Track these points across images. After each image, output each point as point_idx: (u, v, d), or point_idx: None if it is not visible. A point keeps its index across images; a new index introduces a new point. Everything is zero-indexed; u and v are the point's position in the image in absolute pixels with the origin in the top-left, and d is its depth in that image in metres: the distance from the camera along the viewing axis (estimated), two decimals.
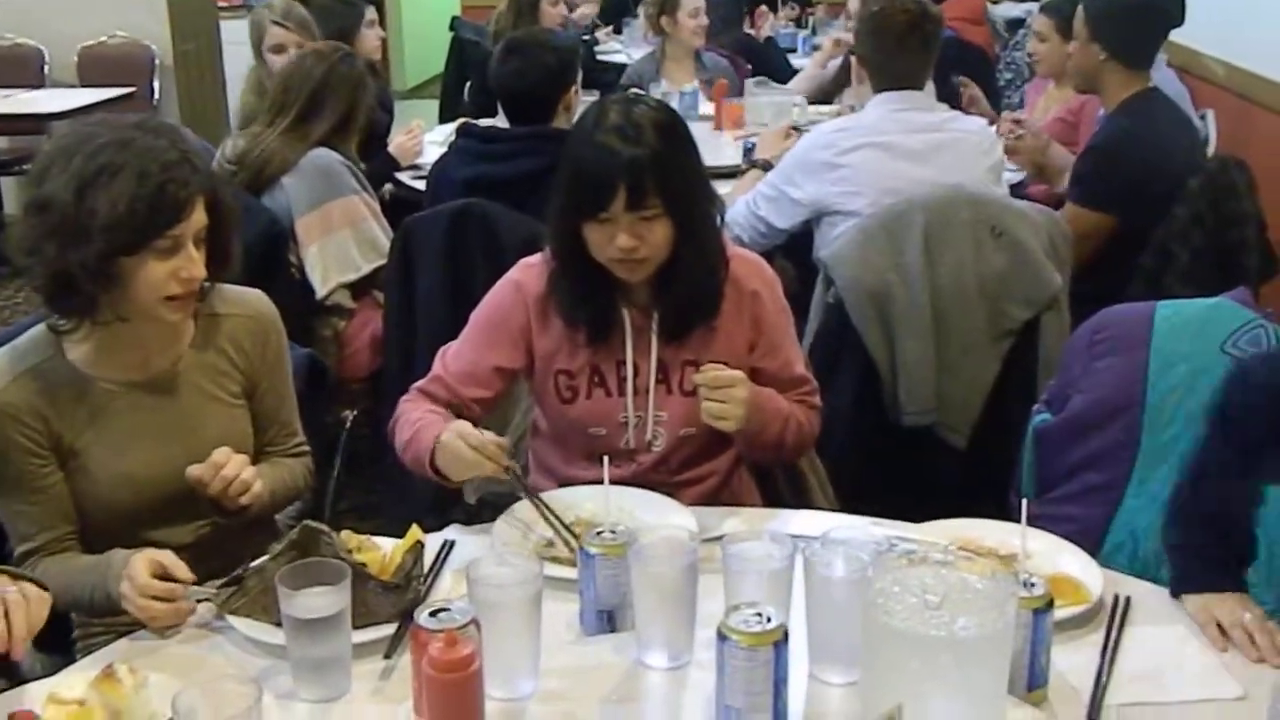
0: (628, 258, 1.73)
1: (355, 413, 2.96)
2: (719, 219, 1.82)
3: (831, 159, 2.73)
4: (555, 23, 4.67)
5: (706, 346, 1.83)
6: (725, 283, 1.81)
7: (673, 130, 1.75)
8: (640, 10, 5.94)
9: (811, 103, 4.22)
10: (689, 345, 1.83)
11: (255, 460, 1.74)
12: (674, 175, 1.73)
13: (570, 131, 1.81)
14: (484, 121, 3.55)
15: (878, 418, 2.53)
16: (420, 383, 1.84)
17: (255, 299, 1.82)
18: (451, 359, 1.85)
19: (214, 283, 1.69)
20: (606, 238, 1.72)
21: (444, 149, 3.25)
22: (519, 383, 2.02)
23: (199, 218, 1.60)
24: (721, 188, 3.45)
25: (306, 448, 1.87)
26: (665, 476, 1.86)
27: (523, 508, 1.70)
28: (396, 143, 3.68)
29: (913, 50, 2.70)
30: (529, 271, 1.86)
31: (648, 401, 1.84)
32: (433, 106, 5.29)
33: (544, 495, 1.73)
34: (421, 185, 3.29)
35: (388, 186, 3.55)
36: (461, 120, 3.65)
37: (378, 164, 3.47)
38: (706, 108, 4.30)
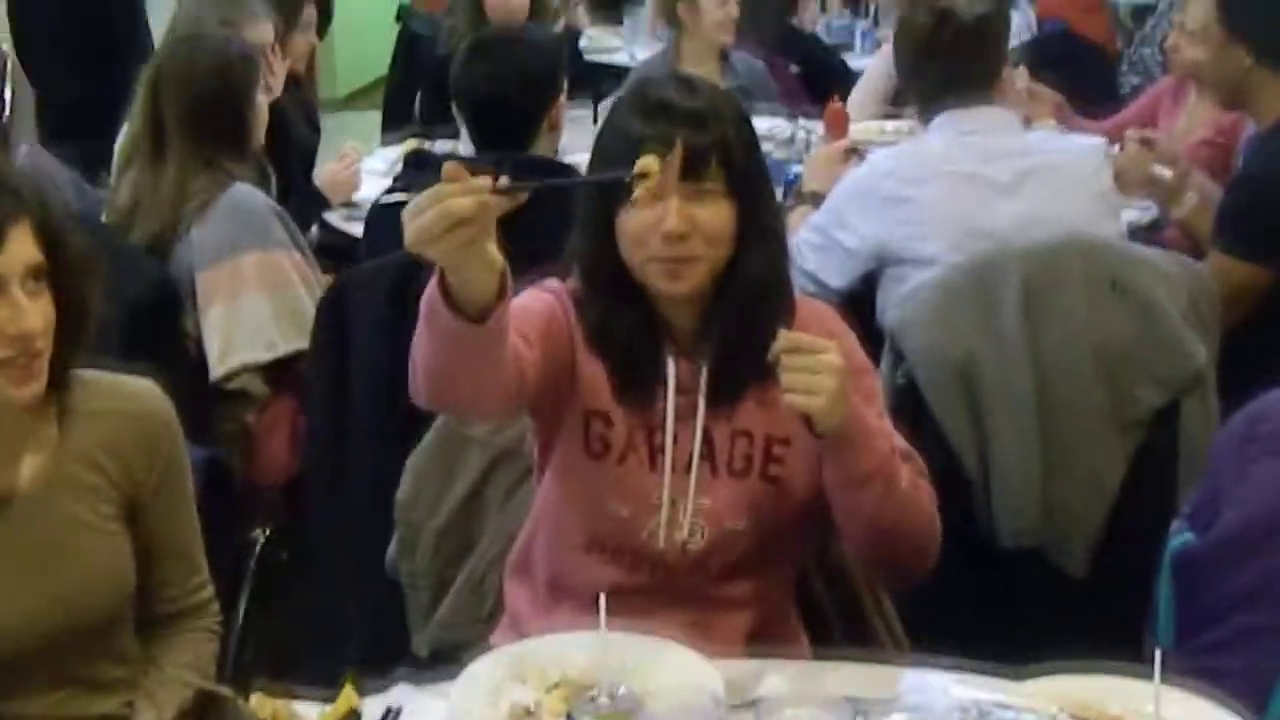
0: (673, 253, 1.79)
1: (268, 531, 2.99)
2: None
3: (895, 190, 2.80)
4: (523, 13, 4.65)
5: (765, 414, 1.88)
6: (791, 325, 1.87)
7: (740, 106, 1.87)
8: None
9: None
10: (742, 411, 1.89)
11: (141, 615, 1.75)
12: (741, 151, 1.82)
13: (608, 113, 1.89)
14: (441, 145, 3.64)
15: (965, 535, 2.52)
16: None
17: (142, 392, 1.83)
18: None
19: (67, 360, 1.69)
20: (649, 223, 1.78)
21: (387, 180, 3.31)
22: (495, 488, 2.13)
23: (21, 252, 1.61)
24: None
25: (210, 592, 1.89)
26: (700, 585, 1.91)
27: (487, 668, 1.70)
28: (325, 173, 3.75)
29: (942, 57, 2.82)
30: (559, 288, 1.92)
31: (688, 482, 1.89)
32: (373, 120, 5.34)
33: (517, 646, 1.75)
34: (358, 229, 3.36)
35: (313, 231, 3.62)
36: (410, 144, 3.72)
37: (299, 201, 3.53)
38: None
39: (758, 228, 1.86)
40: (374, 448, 2.68)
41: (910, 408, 2.55)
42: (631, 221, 1.81)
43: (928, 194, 2.79)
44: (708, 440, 1.90)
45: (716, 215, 1.82)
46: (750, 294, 1.86)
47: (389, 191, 3.18)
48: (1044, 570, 2.56)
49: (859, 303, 2.91)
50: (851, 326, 2.89)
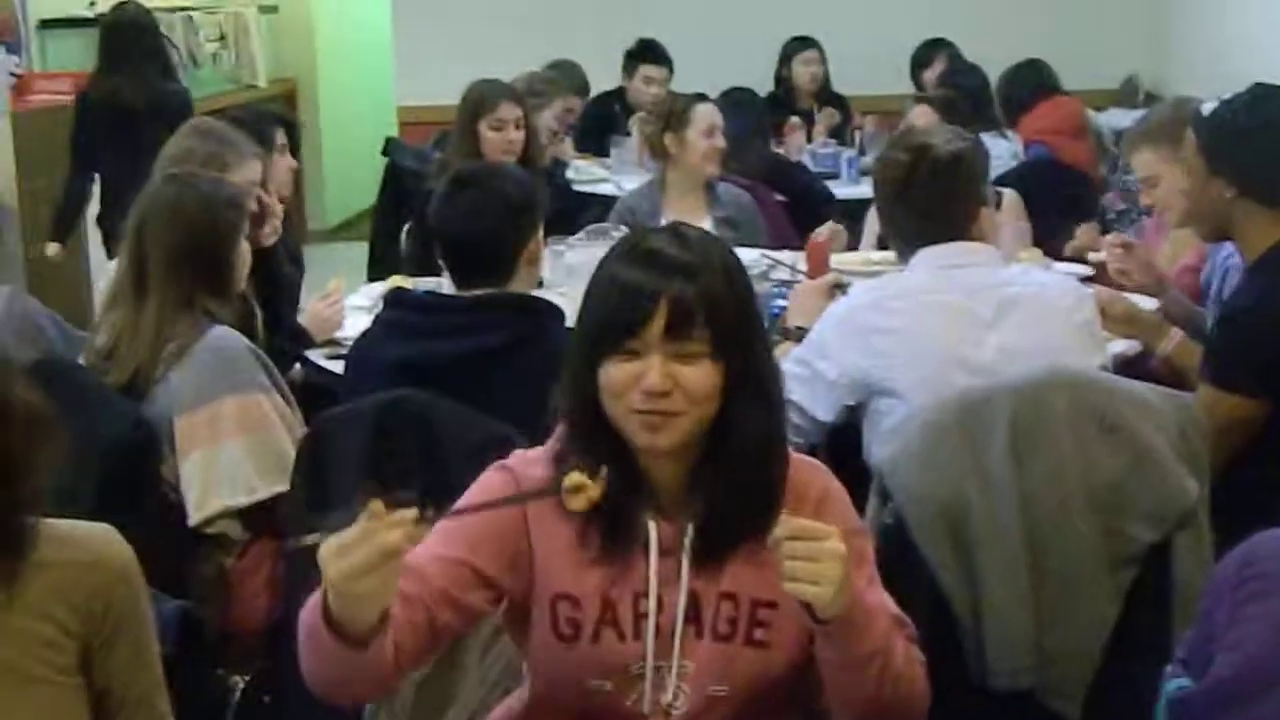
0: (654, 408, 1.79)
1: (248, 678, 2.96)
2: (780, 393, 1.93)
3: (875, 321, 2.84)
4: (503, 152, 4.67)
5: (753, 576, 1.88)
6: (784, 485, 1.88)
7: (733, 258, 1.88)
8: (633, 127, 6.06)
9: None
10: (728, 572, 1.88)
11: None
12: (730, 310, 1.83)
13: (598, 265, 1.91)
14: (424, 282, 3.64)
15: (956, 677, 2.51)
16: None
17: (96, 539, 1.83)
18: (431, 543, 1.87)
19: (7, 519, 1.68)
20: (631, 378, 1.79)
21: (371, 317, 3.31)
22: (475, 638, 2.11)
23: None
24: None
25: None
26: None
27: None
28: (310, 311, 3.77)
29: (920, 194, 2.87)
30: (526, 461, 1.93)
31: (671, 647, 1.89)
32: (363, 251, 5.36)
33: None
34: (340, 367, 3.37)
35: (297, 369, 3.61)
36: (393, 284, 3.73)
37: (282, 339, 3.55)
38: None
39: (749, 385, 1.85)
40: None
41: (897, 547, 2.53)
42: (613, 373, 1.81)
43: (908, 324, 2.81)
44: (693, 603, 1.89)
45: (701, 375, 1.82)
46: (740, 452, 1.85)
47: (366, 333, 3.19)
48: (1038, 713, 2.53)
49: (847, 436, 2.91)
50: (841, 461, 2.87)
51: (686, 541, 1.87)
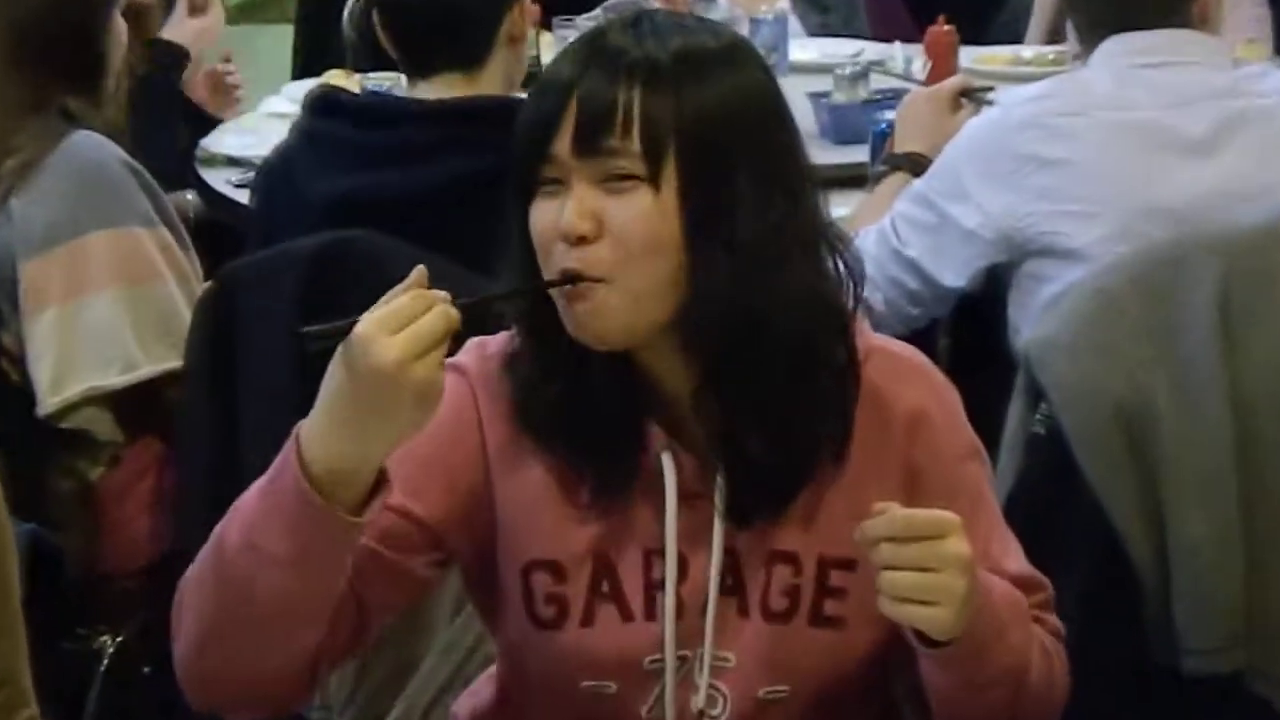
0: (572, 265, 1.80)
1: (121, 638, 2.99)
2: (835, 262, 1.91)
3: (1037, 148, 2.84)
4: None
5: (816, 526, 1.90)
6: (855, 398, 1.88)
7: (730, 55, 1.87)
8: None
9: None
10: (786, 522, 1.89)
11: None
12: (692, 113, 1.81)
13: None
14: (374, 80, 3.70)
15: (1132, 656, 2.53)
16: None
17: None
18: None
19: None
20: (549, 222, 1.82)
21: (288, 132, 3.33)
22: (441, 590, 2.17)
23: None
24: (834, 208, 3.48)
25: None
26: None
27: None
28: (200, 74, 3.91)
29: None
30: (483, 356, 1.94)
31: (703, 629, 1.89)
32: (281, 38, 5.35)
33: None
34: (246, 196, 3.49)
35: (189, 197, 3.68)
36: (336, 74, 3.76)
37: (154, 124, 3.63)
38: (806, 50, 4.37)
39: (730, 240, 1.83)
40: None
41: (1052, 470, 2.54)
42: (535, 221, 1.84)
43: (1085, 153, 2.81)
44: (732, 568, 1.90)
45: (632, 211, 1.81)
46: (726, 355, 1.84)
47: (280, 154, 3.23)
48: (1246, 707, 2.53)
49: (975, 312, 2.97)
50: (970, 346, 3.02)
51: (718, 482, 1.88)
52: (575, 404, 1.86)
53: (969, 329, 3.05)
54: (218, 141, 4.02)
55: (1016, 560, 1.96)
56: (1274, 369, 2.54)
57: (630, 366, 1.87)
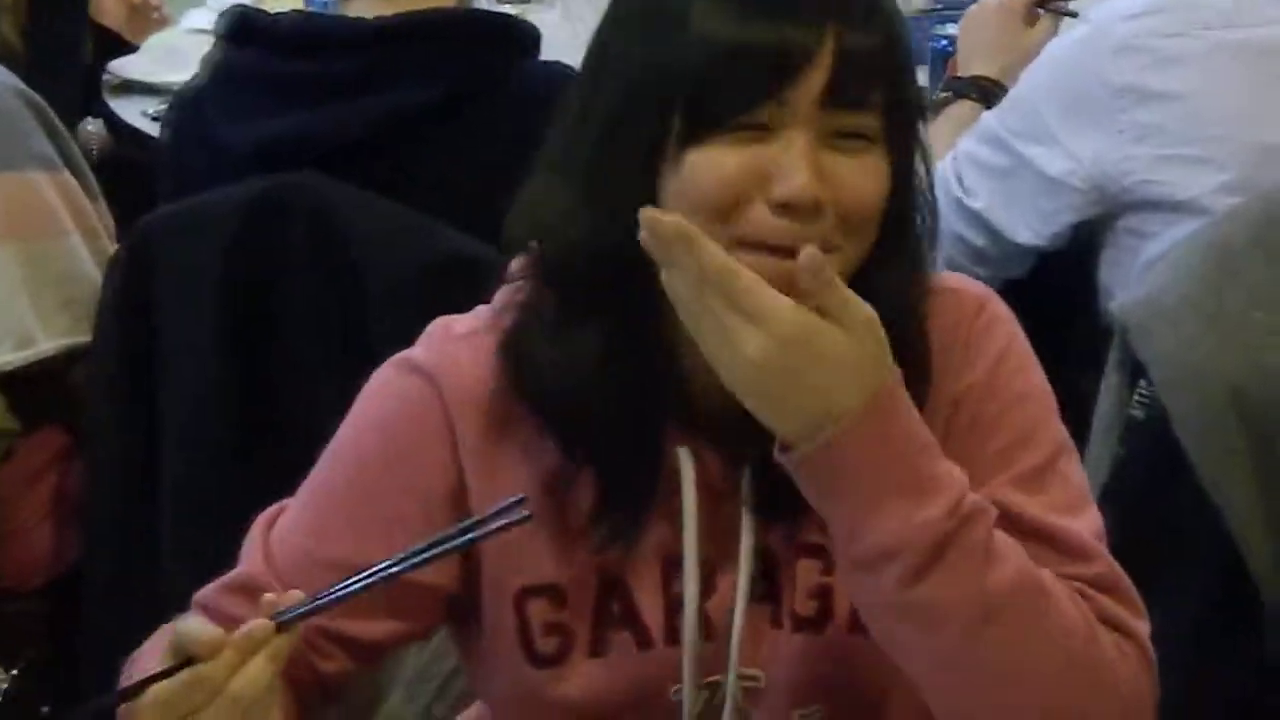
0: (789, 239, 1.63)
1: (16, 671, 2.84)
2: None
3: (1136, 79, 2.66)
4: None
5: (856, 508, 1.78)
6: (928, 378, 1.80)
7: None
8: None
9: None
10: (811, 513, 1.75)
11: None
12: (907, 65, 1.74)
13: None
14: None
15: (1248, 659, 2.40)
16: (211, 588, 1.83)
17: None
18: (281, 540, 1.83)
19: None
20: (754, 175, 1.64)
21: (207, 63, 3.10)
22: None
23: None
24: None
25: None
26: None
27: None
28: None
29: None
30: (449, 342, 1.83)
31: (728, 648, 1.79)
32: None
33: None
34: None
35: (94, 128, 3.62)
36: (235, 6, 3.62)
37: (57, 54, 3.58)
38: None
39: (914, 209, 1.77)
40: (200, 522, 2.67)
41: (1154, 461, 2.43)
42: (717, 171, 1.64)
43: (1198, 83, 2.64)
44: (765, 572, 1.79)
45: (870, 176, 1.68)
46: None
47: (199, 81, 3.02)
48: None
49: (1063, 277, 2.84)
50: (1046, 319, 2.63)
51: (745, 478, 1.75)
52: (601, 390, 1.72)
53: (1048, 297, 2.87)
54: (129, 65, 3.85)
55: (1071, 516, 1.77)
56: None
57: (654, 356, 1.75)
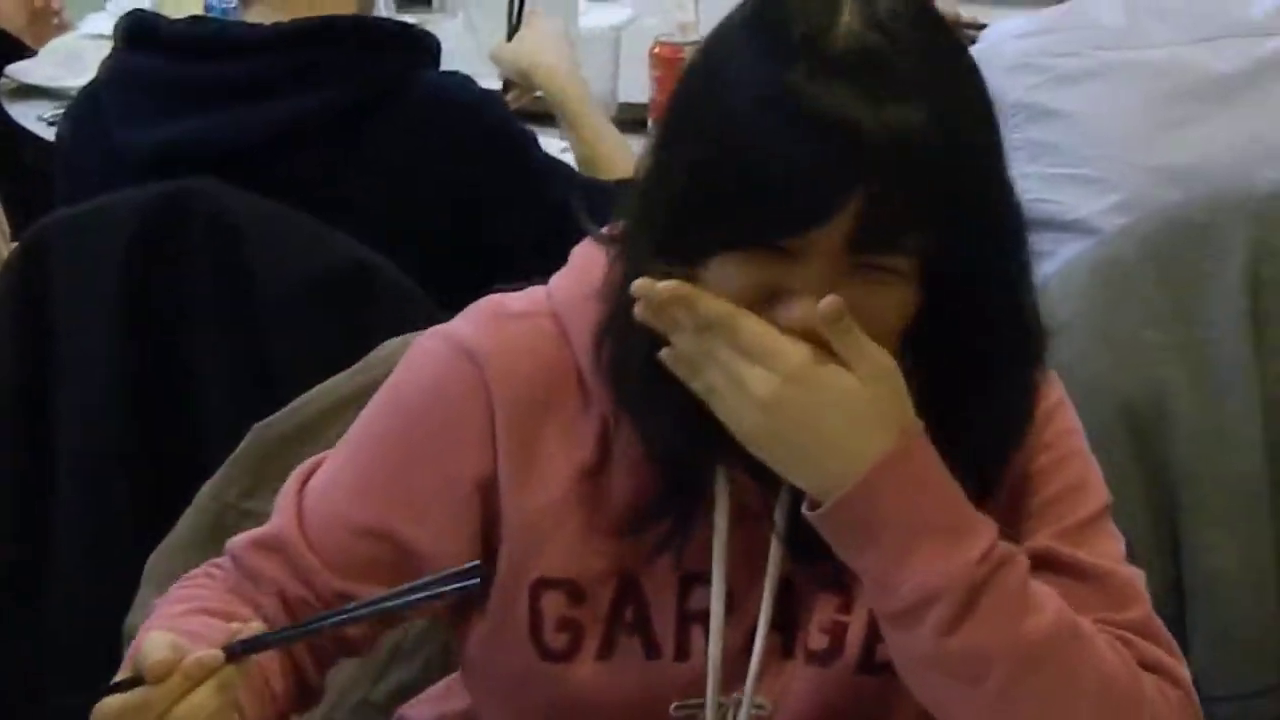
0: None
1: None
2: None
3: (1030, 95, 2.69)
4: None
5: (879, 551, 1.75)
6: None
7: (970, 75, 1.68)
8: None
9: None
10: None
11: None
12: (964, 178, 1.63)
13: (711, 36, 1.70)
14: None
15: None
16: (243, 540, 1.81)
17: None
18: (315, 499, 1.81)
19: None
20: (761, 294, 1.62)
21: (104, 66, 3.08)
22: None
23: None
24: None
25: None
26: None
27: None
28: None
29: None
30: (501, 321, 1.79)
31: (742, 672, 1.78)
32: None
33: None
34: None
35: None
36: (132, 10, 3.52)
37: None
38: None
39: (968, 304, 1.66)
40: (102, 530, 2.65)
41: None
42: (729, 283, 1.60)
43: (1090, 102, 2.66)
44: (786, 602, 1.76)
45: (891, 304, 1.62)
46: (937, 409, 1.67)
47: (91, 90, 2.99)
48: None
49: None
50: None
51: (780, 505, 1.70)
52: (662, 401, 1.68)
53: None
54: (28, 70, 3.80)
55: (1110, 557, 1.75)
56: None
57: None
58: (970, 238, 1.64)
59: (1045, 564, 1.69)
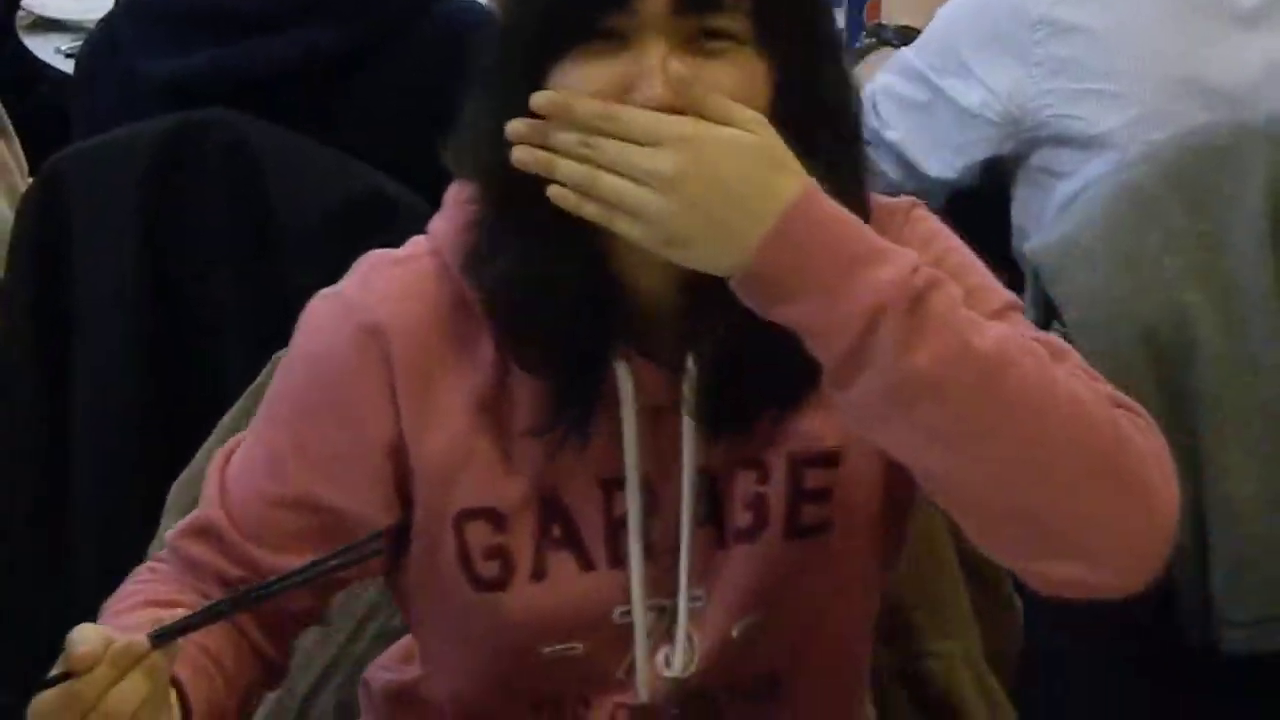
0: None
1: None
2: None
3: (1052, 10, 2.67)
4: None
5: (785, 422, 1.76)
6: None
7: None
8: None
9: None
10: (755, 426, 1.79)
11: None
12: None
13: None
14: None
15: (1161, 633, 2.45)
16: (177, 531, 1.82)
17: None
18: (235, 479, 1.83)
19: None
20: (614, 85, 1.62)
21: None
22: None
23: None
24: None
25: None
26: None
27: None
28: None
29: None
30: (382, 269, 1.81)
31: (676, 568, 1.78)
32: None
33: None
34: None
35: None
36: None
37: None
38: None
39: (810, 106, 1.69)
40: (118, 464, 2.66)
41: None
42: (581, 78, 1.63)
43: (1112, 17, 2.64)
44: (709, 491, 1.76)
45: (738, 76, 1.64)
46: None
47: (109, 21, 2.98)
48: None
49: (976, 214, 2.71)
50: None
51: (686, 389, 1.70)
52: (550, 300, 1.69)
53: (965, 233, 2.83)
54: (43, 3, 3.84)
55: (1072, 358, 1.68)
56: None
57: (598, 270, 1.71)
58: (795, 29, 1.65)
59: None
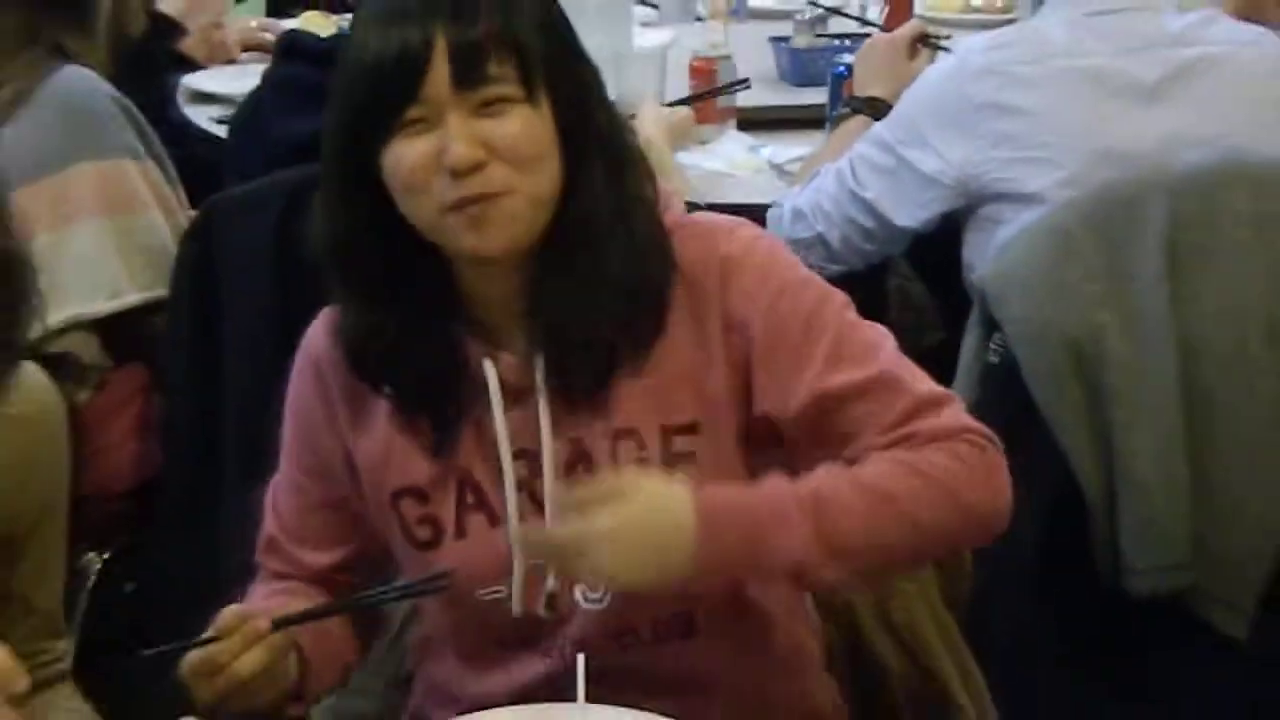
0: (470, 193, 1.78)
1: (107, 556, 3.00)
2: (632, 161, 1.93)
3: (995, 96, 2.80)
4: None
5: (652, 402, 1.89)
6: (670, 280, 1.89)
7: None
8: None
9: None
10: (619, 405, 1.89)
11: None
12: (540, 35, 1.81)
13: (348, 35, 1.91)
14: (345, 20, 3.67)
15: (1081, 579, 2.57)
16: (258, 549, 2.04)
17: (31, 388, 1.96)
18: (279, 497, 2.04)
19: None
20: (428, 157, 1.78)
21: (265, 76, 3.34)
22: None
23: None
24: (794, 147, 3.36)
25: (70, 662, 1.94)
26: (642, 659, 1.93)
27: None
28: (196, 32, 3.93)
29: None
30: (323, 320, 1.98)
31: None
32: None
33: None
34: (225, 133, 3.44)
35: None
36: (306, 22, 3.77)
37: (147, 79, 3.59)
38: None
39: (593, 137, 1.85)
40: (256, 440, 2.54)
41: (1005, 398, 2.58)
42: (405, 157, 1.78)
43: (1043, 101, 2.77)
44: (581, 455, 1.89)
45: (520, 126, 1.79)
46: (592, 231, 1.84)
47: (259, 90, 3.23)
48: (1190, 629, 2.57)
49: (938, 249, 2.92)
50: (929, 291, 3.07)
51: (538, 377, 1.87)
52: (400, 342, 1.88)
53: (928, 269, 3.09)
54: (200, 81, 4.00)
55: (882, 363, 1.86)
56: (1220, 308, 2.57)
57: (450, 291, 1.89)
58: (564, 74, 1.82)
59: (828, 405, 1.82)
